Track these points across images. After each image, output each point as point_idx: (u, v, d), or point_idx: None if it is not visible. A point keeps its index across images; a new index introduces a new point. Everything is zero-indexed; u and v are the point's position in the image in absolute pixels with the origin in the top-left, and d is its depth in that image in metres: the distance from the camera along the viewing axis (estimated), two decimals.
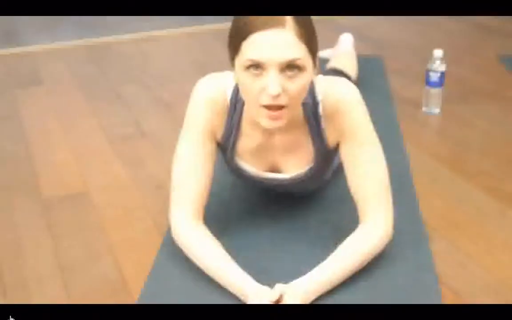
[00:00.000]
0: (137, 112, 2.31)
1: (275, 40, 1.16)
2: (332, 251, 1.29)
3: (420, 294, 1.26)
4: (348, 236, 1.32)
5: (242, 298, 1.21)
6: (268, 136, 1.38)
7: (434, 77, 2.21)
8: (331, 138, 1.38)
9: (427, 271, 1.33)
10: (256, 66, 1.17)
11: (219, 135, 1.40)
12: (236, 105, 1.36)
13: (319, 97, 1.34)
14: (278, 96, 1.18)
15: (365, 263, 1.30)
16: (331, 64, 2.36)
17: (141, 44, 3.20)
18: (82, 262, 1.43)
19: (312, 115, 1.35)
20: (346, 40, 2.62)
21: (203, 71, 2.72)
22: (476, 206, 1.64)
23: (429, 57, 2.23)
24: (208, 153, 1.37)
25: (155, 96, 2.47)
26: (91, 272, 1.39)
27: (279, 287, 1.17)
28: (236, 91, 1.35)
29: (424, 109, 2.26)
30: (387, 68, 2.72)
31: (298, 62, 1.17)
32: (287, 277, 1.27)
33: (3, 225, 1.59)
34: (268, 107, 1.20)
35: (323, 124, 1.36)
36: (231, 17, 1.28)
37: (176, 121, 2.22)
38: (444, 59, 2.21)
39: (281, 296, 1.17)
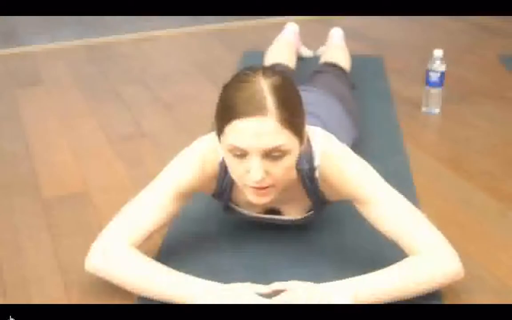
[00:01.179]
0: (137, 112, 2.31)
1: (257, 128, 1.13)
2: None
3: None
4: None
5: (189, 299, 1.19)
6: None
7: (434, 77, 2.21)
8: (329, 196, 1.35)
9: None
10: (239, 150, 1.16)
11: (211, 191, 1.38)
12: (226, 169, 1.32)
13: (316, 161, 1.30)
14: (261, 180, 1.17)
15: (409, 294, 1.20)
16: (324, 59, 2.36)
17: (141, 44, 3.20)
18: (82, 262, 1.42)
19: (308, 179, 1.32)
20: (337, 34, 2.62)
21: (203, 71, 2.73)
22: (476, 206, 1.64)
23: (429, 57, 2.23)
24: (172, 209, 1.33)
25: (155, 96, 2.46)
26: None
27: (280, 284, 1.17)
28: None
29: (424, 109, 2.26)
30: (387, 68, 2.71)
31: (281, 148, 1.15)
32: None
33: (3, 225, 1.59)
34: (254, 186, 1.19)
35: (321, 186, 1.33)
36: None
37: (176, 121, 2.22)
38: (444, 59, 2.21)
39: (274, 292, 1.17)
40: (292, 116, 1.15)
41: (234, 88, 1.16)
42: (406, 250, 1.26)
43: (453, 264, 1.23)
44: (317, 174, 1.31)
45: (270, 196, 1.22)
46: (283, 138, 1.15)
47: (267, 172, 1.18)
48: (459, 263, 1.24)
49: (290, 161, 1.19)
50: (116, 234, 1.29)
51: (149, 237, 1.33)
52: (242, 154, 1.16)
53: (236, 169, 1.20)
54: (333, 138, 1.34)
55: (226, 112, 1.15)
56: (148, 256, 1.43)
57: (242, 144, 1.14)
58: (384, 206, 1.26)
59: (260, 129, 1.13)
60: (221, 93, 1.20)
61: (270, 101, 1.13)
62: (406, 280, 1.20)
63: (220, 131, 1.19)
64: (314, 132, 1.33)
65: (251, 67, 1.20)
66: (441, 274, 1.21)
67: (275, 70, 1.20)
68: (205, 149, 1.33)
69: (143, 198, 1.34)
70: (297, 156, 1.21)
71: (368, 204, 1.27)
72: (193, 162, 1.32)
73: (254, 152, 1.15)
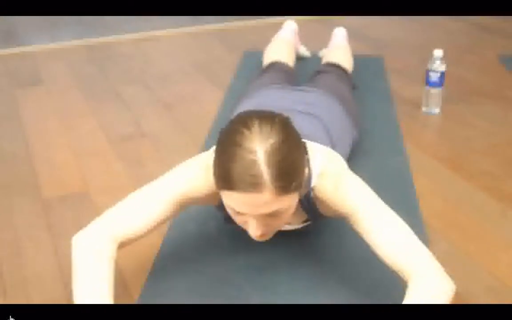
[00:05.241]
0: (137, 112, 2.31)
1: (254, 201, 1.09)
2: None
3: None
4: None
5: None
6: None
7: (434, 77, 2.21)
8: (326, 212, 1.33)
9: None
10: (236, 210, 1.14)
11: (214, 203, 1.35)
12: None
13: (313, 182, 1.27)
14: (260, 235, 1.16)
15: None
16: (326, 59, 2.35)
17: (141, 44, 3.20)
18: None
19: (304, 197, 1.29)
20: (340, 34, 2.61)
21: (203, 71, 2.73)
22: (476, 206, 1.64)
23: (429, 57, 2.23)
24: (168, 215, 1.29)
25: (155, 96, 2.46)
26: None
27: None
28: None
29: (424, 109, 2.26)
30: (387, 68, 2.71)
31: (279, 211, 1.13)
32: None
33: (3, 225, 1.59)
34: None
35: (316, 204, 1.30)
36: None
37: (176, 121, 2.21)
38: (444, 59, 2.21)
39: None
40: (290, 181, 1.10)
41: (228, 154, 1.08)
42: (400, 274, 1.20)
43: (448, 286, 1.18)
44: (312, 194, 1.28)
45: (269, 235, 1.21)
46: (282, 203, 1.12)
47: (266, 225, 1.16)
48: (453, 285, 1.18)
49: (288, 213, 1.17)
50: (107, 232, 1.24)
51: (139, 238, 1.29)
52: (239, 212, 1.15)
53: (234, 218, 1.18)
54: (333, 157, 1.31)
55: (221, 179, 1.11)
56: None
57: (239, 209, 1.12)
58: (378, 225, 1.21)
59: (256, 201, 1.09)
60: (217, 150, 1.13)
61: (266, 174, 1.06)
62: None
63: (217, 186, 1.15)
64: (315, 152, 1.29)
65: (247, 117, 1.12)
66: (444, 299, 1.17)
67: (274, 118, 1.11)
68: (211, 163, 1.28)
69: (142, 198, 1.29)
70: (295, 207, 1.19)
71: (362, 222, 1.22)
72: (198, 174, 1.28)
73: (252, 215, 1.13)
